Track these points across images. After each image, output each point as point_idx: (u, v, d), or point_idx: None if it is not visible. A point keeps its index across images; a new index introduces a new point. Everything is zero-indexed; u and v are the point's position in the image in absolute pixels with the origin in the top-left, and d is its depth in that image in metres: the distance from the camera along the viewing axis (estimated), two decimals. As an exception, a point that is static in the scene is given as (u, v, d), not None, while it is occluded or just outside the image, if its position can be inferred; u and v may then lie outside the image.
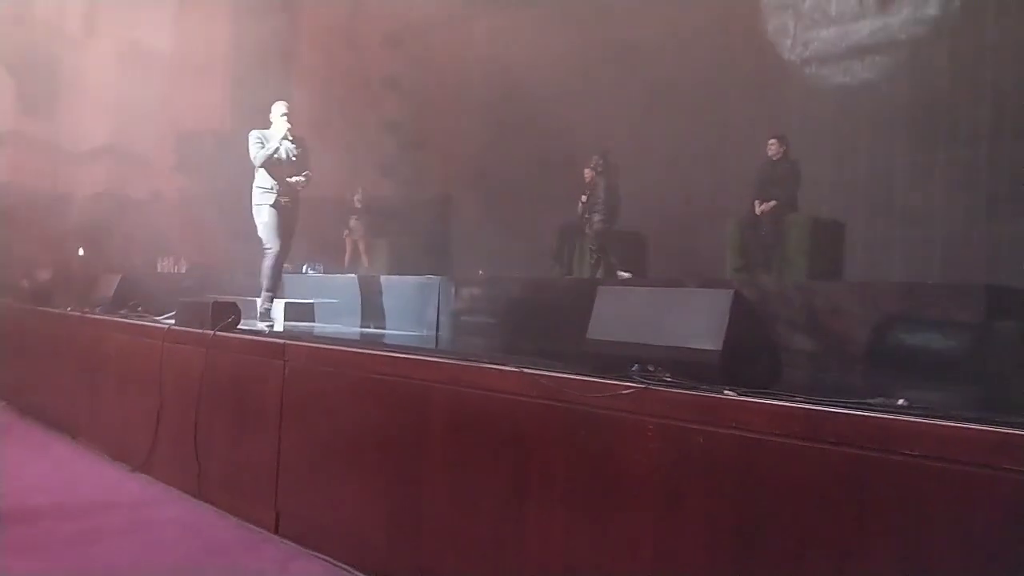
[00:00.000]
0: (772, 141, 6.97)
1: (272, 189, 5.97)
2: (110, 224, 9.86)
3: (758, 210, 6.86)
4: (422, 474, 3.14)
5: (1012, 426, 1.94)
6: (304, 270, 9.48)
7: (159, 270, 9.87)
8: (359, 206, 9.96)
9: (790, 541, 2.17)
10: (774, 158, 6.97)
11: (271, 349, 3.96)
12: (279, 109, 6.00)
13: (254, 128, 5.98)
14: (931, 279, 5.77)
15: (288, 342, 3.90)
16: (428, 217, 9.68)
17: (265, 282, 6.02)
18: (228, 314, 4.58)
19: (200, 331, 4.48)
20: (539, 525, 2.73)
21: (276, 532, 3.82)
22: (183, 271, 9.61)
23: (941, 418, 2.05)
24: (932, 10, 7.39)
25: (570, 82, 8.56)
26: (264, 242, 5.99)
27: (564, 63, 8.51)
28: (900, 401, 2.26)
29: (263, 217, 5.97)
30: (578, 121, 8.22)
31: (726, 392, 2.43)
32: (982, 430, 1.95)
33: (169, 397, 4.64)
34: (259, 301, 6.02)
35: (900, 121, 7.52)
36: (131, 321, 5.45)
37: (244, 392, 4.12)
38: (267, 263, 6.00)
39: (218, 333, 4.37)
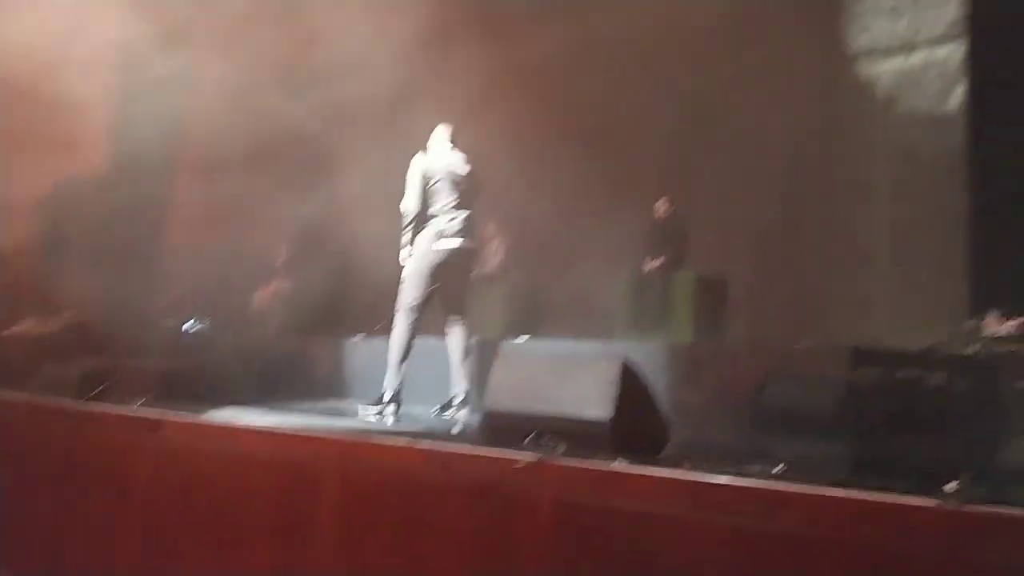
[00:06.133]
0: (660, 202, 7.31)
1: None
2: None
3: (648, 268, 7.13)
4: (313, 558, 3.01)
5: (872, 490, 2.08)
6: (186, 327, 9.01)
7: (20, 330, 9.07)
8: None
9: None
10: (663, 217, 7.29)
11: (144, 424, 3.72)
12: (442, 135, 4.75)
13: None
14: (804, 335, 6.14)
15: (164, 417, 3.68)
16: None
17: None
18: (100, 381, 4.28)
19: (65, 402, 4.16)
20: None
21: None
22: (53, 331, 8.89)
23: (812, 483, 2.17)
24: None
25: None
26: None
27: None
28: (777, 468, 2.37)
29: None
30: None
31: (617, 463, 2.48)
32: (847, 498, 2.08)
33: (27, 478, 4.25)
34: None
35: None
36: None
37: (114, 470, 3.83)
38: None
39: (85, 404, 4.07)
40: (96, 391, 4.18)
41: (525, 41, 8.98)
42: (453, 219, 4.53)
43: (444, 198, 4.53)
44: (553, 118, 8.31)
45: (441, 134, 4.76)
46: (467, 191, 4.61)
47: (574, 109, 8.49)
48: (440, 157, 4.65)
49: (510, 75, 8.73)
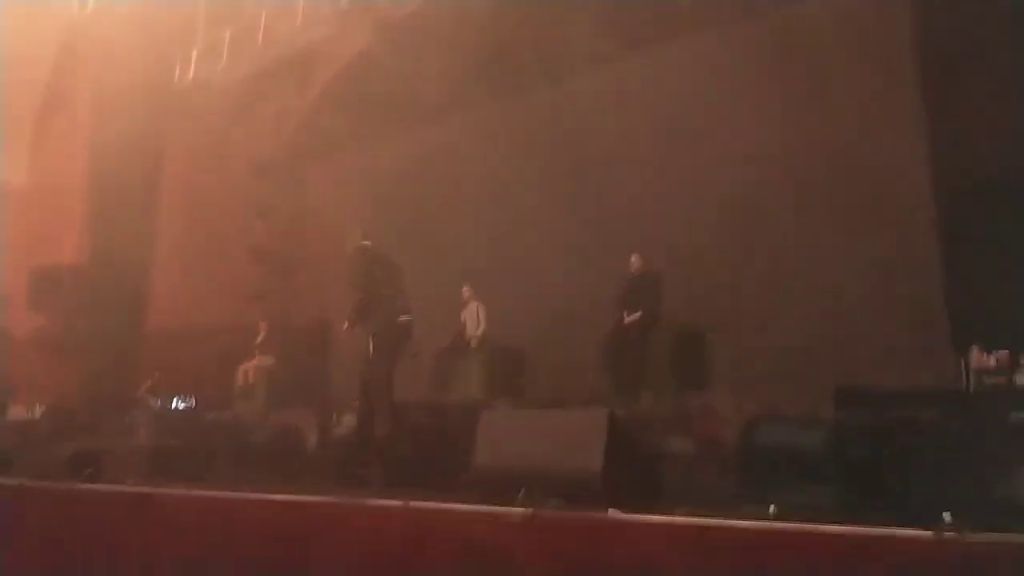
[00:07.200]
0: (634, 257, 7.38)
1: None
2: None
3: (626, 322, 7.16)
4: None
5: (867, 525, 2.10)
6: (175, 404, 8.94)
7: (9, 417, 8.97)
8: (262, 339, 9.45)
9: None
10: (637, 273, 7.35)
11: (134, 500, 3.67)
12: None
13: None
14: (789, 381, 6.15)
15: (154, 491, 3.64)
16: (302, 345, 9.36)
17: None
18: (87, 462, 4.24)
19: (53, 483, 4.11)
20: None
21: None
22: (37, 416, 8.76)
23: (804, 521, 2.19)
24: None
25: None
26: None
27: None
28: (771, 508, 2.38)
29: None
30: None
31: (611, 512, 2.48)
32: (845, 533, 2.09)
33: (18, 559, 4.14)
34: None
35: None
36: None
37: (104, 550, 3.74)
38: None
39: (74, 485, 4.01)
40: (85, 472, 4.13)
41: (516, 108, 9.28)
42: (392, 298, 5.01)
43: (384, 281, 5.05)
44: (530, 182, 8.50)
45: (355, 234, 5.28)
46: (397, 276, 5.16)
47: (552, 171, 8.66)
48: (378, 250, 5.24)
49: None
